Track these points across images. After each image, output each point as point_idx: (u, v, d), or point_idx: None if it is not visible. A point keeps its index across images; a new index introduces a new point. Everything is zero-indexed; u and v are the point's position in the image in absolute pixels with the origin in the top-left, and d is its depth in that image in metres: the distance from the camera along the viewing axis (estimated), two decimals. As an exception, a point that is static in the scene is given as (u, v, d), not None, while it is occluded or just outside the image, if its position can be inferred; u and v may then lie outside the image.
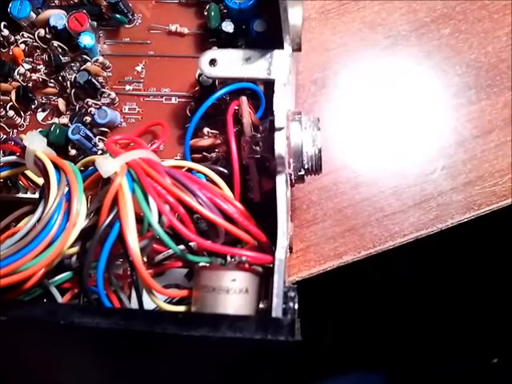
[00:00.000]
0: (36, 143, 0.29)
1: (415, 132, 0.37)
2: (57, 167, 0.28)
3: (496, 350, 0.59)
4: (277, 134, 0.26)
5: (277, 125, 0.26)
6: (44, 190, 0.30)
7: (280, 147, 0.26)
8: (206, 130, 0.34)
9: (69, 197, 0.27)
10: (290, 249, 0.32)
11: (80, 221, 0.27)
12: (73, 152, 0.35)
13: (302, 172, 0.30)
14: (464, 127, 0.36)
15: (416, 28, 0.37)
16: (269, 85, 0.32)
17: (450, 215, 0.35)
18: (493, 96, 0.36)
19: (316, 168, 0.30)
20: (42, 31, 0.36)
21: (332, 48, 0.38)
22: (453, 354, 0.57)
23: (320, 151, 0.29)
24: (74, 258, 0.31)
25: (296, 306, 0.25)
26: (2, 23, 0.37)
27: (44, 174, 0.29)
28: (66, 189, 0.28)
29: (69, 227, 0.27)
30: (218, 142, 0.34)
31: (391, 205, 0.36)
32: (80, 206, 0.27)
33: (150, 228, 0.27)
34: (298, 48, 0.32)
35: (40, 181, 0.34)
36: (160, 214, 0.27)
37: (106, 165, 0.27)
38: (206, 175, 0.30)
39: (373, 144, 0.37)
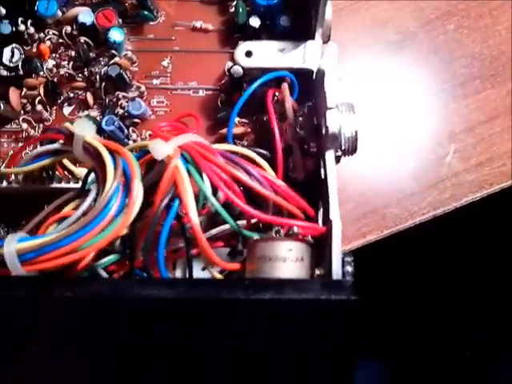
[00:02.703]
0: (86, 129, 0.30)
1: (427, 120, 0.39)
2: (110, 151, 0.29)
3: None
4: (329, 113, 0.28)
5: (329, 105, 0.28)
6: (88, 176, 0.31)
7: (333, 125, 0.28)
8: (236, 119, 0.36)
9: (126, 180, 0.28)
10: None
11: (139, 201, 0.28)
12: (105, 144, 0.36)
13: (339, 153, 0.32)
14: (472, 114, 0.39)
15: (423, 24, 0.40)
16: (300, 75, 0.34)
17: (464, 194, 0.38)
18: (496, 85, 0.39)
19: (352, 149, 0.32)
20: (68, 28, 0.38)
21: (344, 44, 0.40)
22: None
23: (357, 133, 0.31)
24: (117, 242, 0.32)
25: (353, 270, 0.27)
26: (29, 21, 0.38)
27: (96, 158, 0.30)
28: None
29: (130, 206, 0.28)
30: (248, 130, 0.36)
31: (409, 187, 0.38)
32: (139, 185, 0.28)
33: (206, 203, 0.28)
34: (327, 40, 0.34)
35: (78, 170, 0.34)
36: (215, 192, 0.29)
37: (160, 148, 0.29)
38: (249, 157, 0.32)
39: (389, 132, 0.39)
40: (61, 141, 0.32)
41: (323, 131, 0.29)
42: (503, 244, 0.58)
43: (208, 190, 0.28)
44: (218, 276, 0.29)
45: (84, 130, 0.30)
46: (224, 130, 0.36)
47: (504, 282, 0.59)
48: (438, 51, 0.40)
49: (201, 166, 0.28)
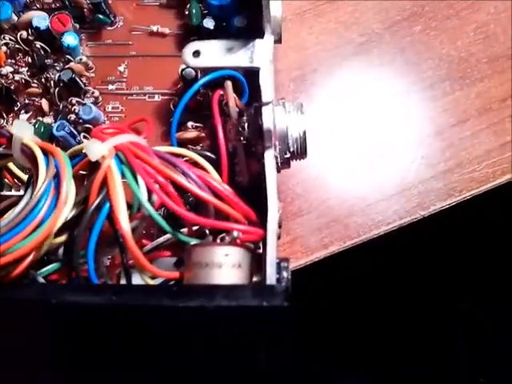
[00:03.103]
0: (23, 130, 0.29)
1: (393, 124, 0.38)
2: (45, 152, 0.28)
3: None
4: (264, 109, 0.27)
5: (264, 99, 0.27)
6: (30, 180, 0.30)
7: (268, 121, 0.27)
8: (189, 123, 0.35)
9: (58, 181, 0.27)
10: (279, 234, 0.32)
11: (68, 205, 0.27)
12: (57, 149, 0.35)
13: (288, 155, 0.30)
14: (440, 117, 0.37)
15: (389, 26, 0.39)
16: (251, 75, 0.33)
17: (432, 202, 0.36)
18: (465, 87, 0.38)
19: (301, 151, 0.30)
20: (24, 33, 0.37)
21: (309, 47, 0.39)
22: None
23: (305, 134, 0.30)
24: (60, 252, 0.30)
25: (289, 276, 0.25)
26: (-17, 26, 0.37)
27: (32, 160, 0.29)
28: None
29: (57, 210, 0.26)
30: (202, 135, 0.35)
31: (374, 194, 0.36)
32: (69, 186, 0.27)
33: (141, 208, 0.27)
34: (278, 39, 0.33)
35: (25, 176, 0.34)
36: (150, 195, 0.27)
37: (95, 148, 0.28)
38: (193, 161, 0.30)
39: (353, 136, 0.38)
40: (3, 145, 0.31)
41: (263, 129, 0.27)
42: (473, 251, 0.55)
43: (141, 193, 0.27)
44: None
45: (21, 131, 0.29)
46: (178, 134, 0.35)
47: (475, 281, 0.56)
48: (405, 53, 0.39)
49: (134, 166, 0.27)
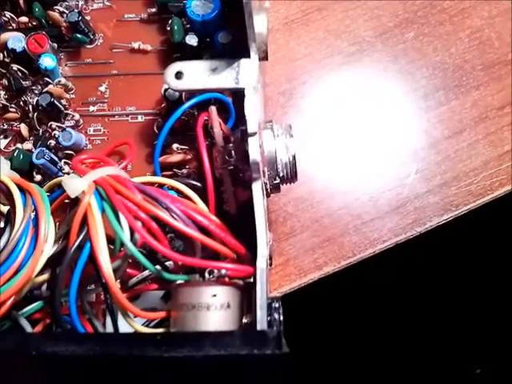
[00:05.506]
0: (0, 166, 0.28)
1: (386, 137, 0.36)
2: (22, 190, 0.27)
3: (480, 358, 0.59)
4: (250, 140, 0.25)
5: (249, 130, 0.25)
6: (9, 216, 0.29)
7: (254, 153, 0.25)
8: (175, 146, 0.34)
9: (36, 220, 0.26)
10: (270, 263, 0.31)
11: (49, 244, 0.26)
12: (38, 177, 0.34)
13: (277, 180, 0.29)
14: (435, 128, 0.36)
15: (380, 33, 0.37)
16: (237, 95, 0.32)
17: (428, 218, 0.35)
18: (461, 96, 0.36)
19: (291, 175, 0.29)
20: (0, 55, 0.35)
21: (298, 58, 0.38)
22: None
23: (294, 158, 0.29)
24: (43, 288, 0.29)
25: (281, 318, 0.24)
26: (-43, 50, 0.36)
27: (9, 198, 0.27)
28: (33, 214, 0.27)
29: (37, 251, 0.25)
30: (189, 157, 0.34)
31: (368, 211, 0.35)
32: (48, 227, 0.26)
33: (123, 247, 0.26)
34: (264, 56, 0.31)
35: (5, 209, 0.32)
36: (132, 232, 0.26)
37: (73, 184, 0.26)
38: (178, 190, 0.29)
39: (345, 151, 0.36)
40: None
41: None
42: (472, 270, 0.54)
43: (123, 232, 0.25)
44: (138, 327, 0.26)
45: (-3, 168, 0.28)
46: (163, 158, 0.33)
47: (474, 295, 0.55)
48: (398, 61, 0.37)
49: (114, 203, 0.26)
